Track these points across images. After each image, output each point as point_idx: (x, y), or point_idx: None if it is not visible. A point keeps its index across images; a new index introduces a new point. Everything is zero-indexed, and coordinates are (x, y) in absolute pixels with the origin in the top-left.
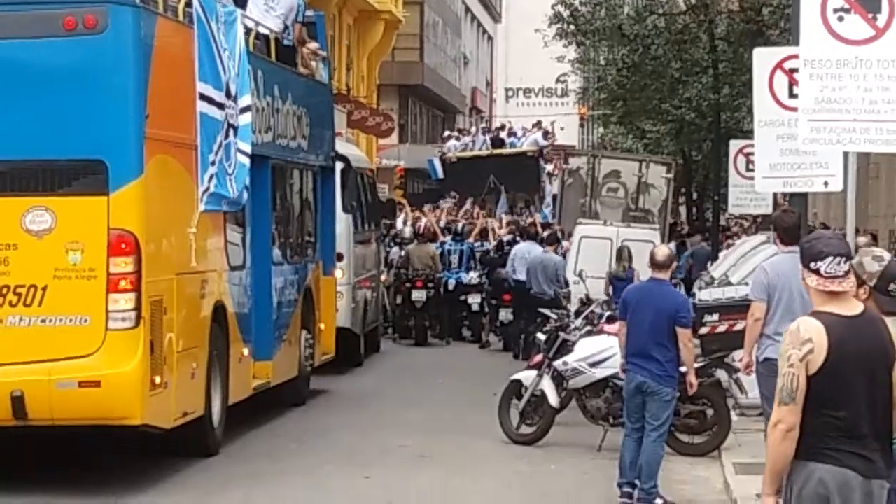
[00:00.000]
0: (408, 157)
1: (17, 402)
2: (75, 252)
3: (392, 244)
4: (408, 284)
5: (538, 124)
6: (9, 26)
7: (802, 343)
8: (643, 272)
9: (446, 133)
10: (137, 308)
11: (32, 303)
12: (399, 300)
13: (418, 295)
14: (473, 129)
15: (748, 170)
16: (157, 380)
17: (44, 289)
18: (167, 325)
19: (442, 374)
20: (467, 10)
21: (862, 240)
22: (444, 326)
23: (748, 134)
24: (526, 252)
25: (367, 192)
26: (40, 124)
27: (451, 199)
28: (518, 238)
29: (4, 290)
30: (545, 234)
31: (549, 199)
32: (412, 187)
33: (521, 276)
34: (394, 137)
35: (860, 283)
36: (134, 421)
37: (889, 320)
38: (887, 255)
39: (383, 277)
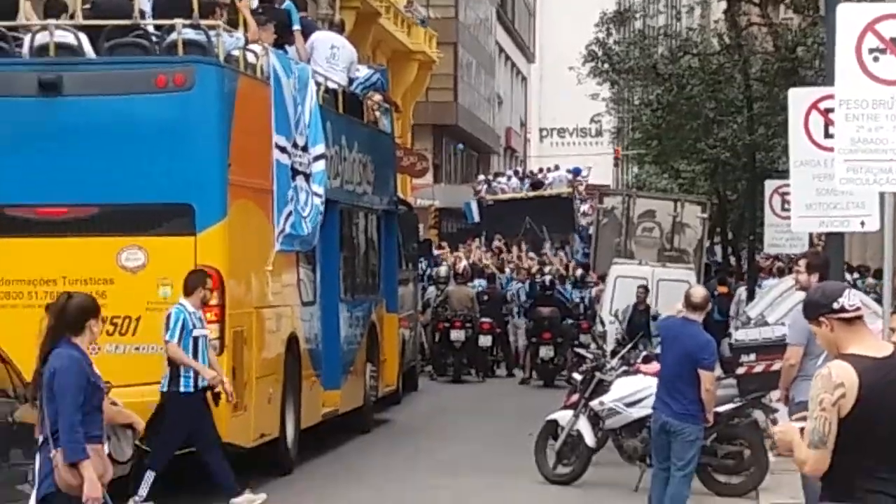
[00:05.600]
0: (442, 196)
1: None
2: (165, 286)
3: (429, 283)
4: (446, 324)
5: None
6: (107, 84)
7: (835, 387)
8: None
9: (480, 176)
10: (221, 337)
11: (127, 332)
12: (437, 339)
13: (457, 335)
14: (509, 171)
15: (784, 209)
16: (238, 402)
17: (137, 319)
18: (247, 353)
19: (480, 412)
20: (501, 50)
21: None
22: (479, 364)
23: (783, 174)
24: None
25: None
26: (135, 172)
27: (496, 240)
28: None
29: (102, 321)
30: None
31: (579, 247)
32: (446, 227)
33: None
34: (428, 177)
35: None
36: None
37: None
38: None
39: (420, 317)
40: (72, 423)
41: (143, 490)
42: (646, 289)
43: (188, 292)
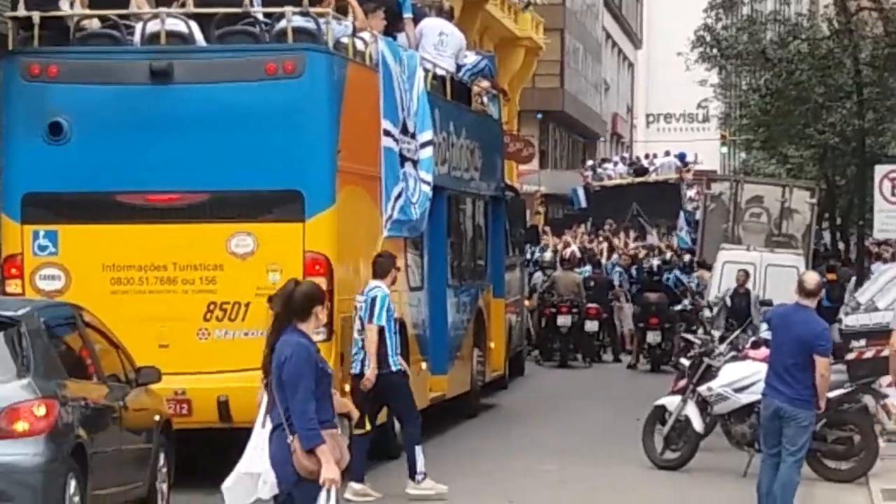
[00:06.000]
0: (548, 182)
1: (223, 406)
2: (275, 272)
3: (535, 269)
4: (553, 310)
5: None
6: (218, 72)
7: None
8: (787, 297)
9: (590, 161)
10: (330, 323)
11: (236, 318)
12: (543, 324)
13: (564, 320)
14: (615, 157)
15: (894, 194)
16: (347, 388)
17: (247, 305)
18: None
19: (586, 397)
20: (608, 36)
21: None
22: (586, 349)
23: (893, 159)
24: None
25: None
26: (244, 158)
27: (607, 225)
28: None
29: (212, 307)
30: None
31: (683, 224)
32: (552, 212)
33: None
34: (534, 163)
35: None
36: None
37: None
38: None
39: (527, 302)
40: (304, 411)
41: (421, 465)
42: (746, 272)
43: (381, 274)
